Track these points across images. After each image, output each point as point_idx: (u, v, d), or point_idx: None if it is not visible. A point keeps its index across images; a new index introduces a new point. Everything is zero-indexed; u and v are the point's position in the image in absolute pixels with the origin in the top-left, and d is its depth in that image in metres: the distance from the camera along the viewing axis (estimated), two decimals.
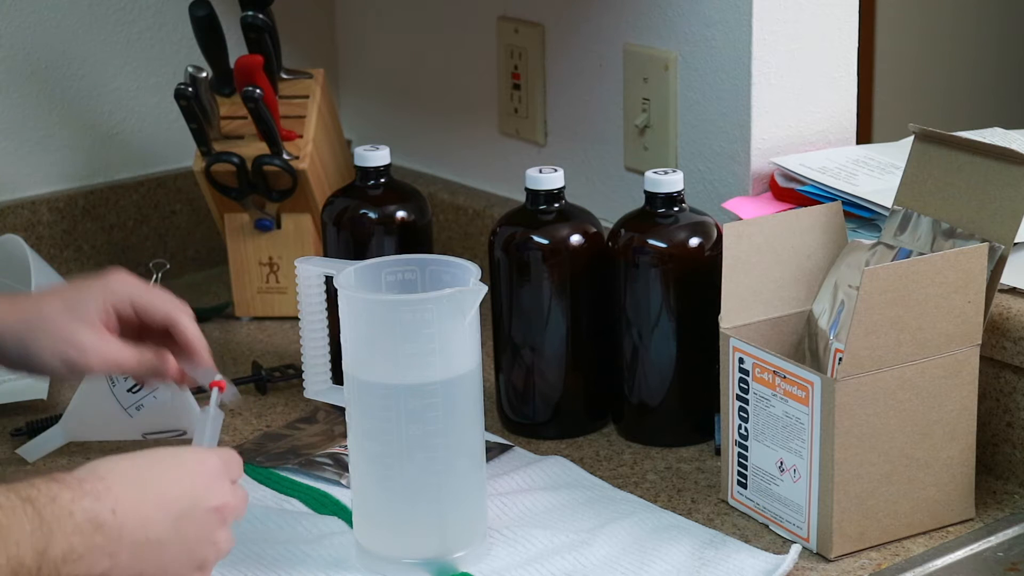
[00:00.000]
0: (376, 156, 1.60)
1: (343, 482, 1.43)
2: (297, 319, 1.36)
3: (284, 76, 1.86)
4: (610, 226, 1.52)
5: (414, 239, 1.60)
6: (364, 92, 2.13)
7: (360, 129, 2.13)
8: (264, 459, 1.49)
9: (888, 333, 1.25)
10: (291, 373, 1.67)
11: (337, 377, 1.33)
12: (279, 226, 1.83)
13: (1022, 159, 1.31)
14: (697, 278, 1.47)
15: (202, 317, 1.86)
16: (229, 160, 1.77)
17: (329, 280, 1.32)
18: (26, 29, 1.90)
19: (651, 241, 1.47)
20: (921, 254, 1.35)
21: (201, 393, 1.60)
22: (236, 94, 1.81)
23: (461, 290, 1.23)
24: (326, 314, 1.35)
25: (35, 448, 1.51)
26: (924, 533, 1.33)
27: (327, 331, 1.35)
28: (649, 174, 1.48)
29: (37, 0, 1.90)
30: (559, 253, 1.49)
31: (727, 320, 1.37)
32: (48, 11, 1.91)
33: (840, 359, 1.28)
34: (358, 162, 1.60)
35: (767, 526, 1.35)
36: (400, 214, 1.60)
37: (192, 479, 1.13)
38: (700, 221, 1.49)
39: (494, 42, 1.90)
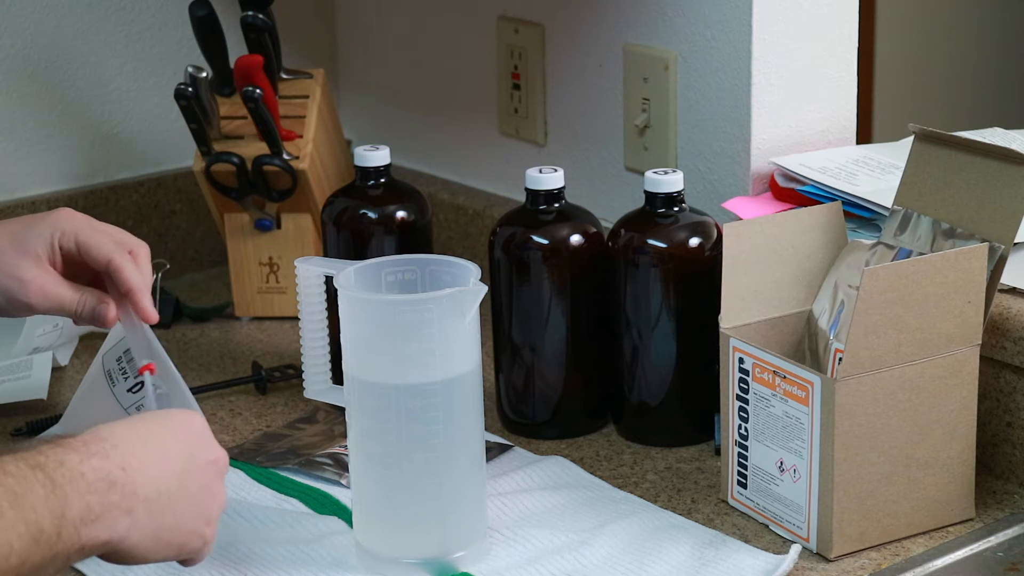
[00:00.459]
0: (376, 156, 1.60)
1: (343, 482, 1.43)
2: (297, 319, 1.36)
3: (284, 76, 1.86)
4: (610, 226, 1.52)
5: (414, 239, 1.60)
6: (364, 92, 2.13)
7: (360, 129, 2.13)
8: (264, 459, 1.49)
9: (888, 333, 1.25)
10: (291, 373, 1.67)
11: (337, 377, 1.33)
12: (279, 226, 1.83)
13: (1022, 159, 1.31)
14: (697, 278, 1.47)
15: (202, 317, 1.87)
16: (229, 160, 1.77)
17: (329, 280, 1.32)
18: (26, 29, 1.90)
19: (651, 241, 1.47)
20: (921, 254, 1.35)
21: (197, 393, 1.60)
22: (236, 94, 1.81)
23: (461, 290, 1.23)
24: (326, 314, 1.35)
25: None
26: (924, 533, 1.33)
27: (327, 331, 1.35)
28: (649, 174, 1.48)
29: (37, 0, 1.90)
30: (559, 253, 1.49)
31: (727, 320, 1.37)
32: (48, 11, 1.91)
33: (840, 359, 1.28)
34: (358, 162, 1.60)
35: (767, 526, 1.35)
36: (400, 214, 1.59)
37: (185, 435, 1.14)
38: (700, 221, 1.49)
39: (494, 42, 1.90)
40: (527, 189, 1.51)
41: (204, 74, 1.74)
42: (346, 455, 1.41)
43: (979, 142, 1.36)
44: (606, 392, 1.54)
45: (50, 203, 1.92)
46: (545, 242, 1.49)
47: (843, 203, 1.45)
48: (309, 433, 1.55)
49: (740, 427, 1.36)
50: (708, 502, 1.40)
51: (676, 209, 1.48)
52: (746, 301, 1.38)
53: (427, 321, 1.23)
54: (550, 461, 1.46)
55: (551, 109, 1.85)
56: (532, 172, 1.51)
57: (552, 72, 1.83)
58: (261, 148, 1.78)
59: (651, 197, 1.48)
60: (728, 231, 1.36)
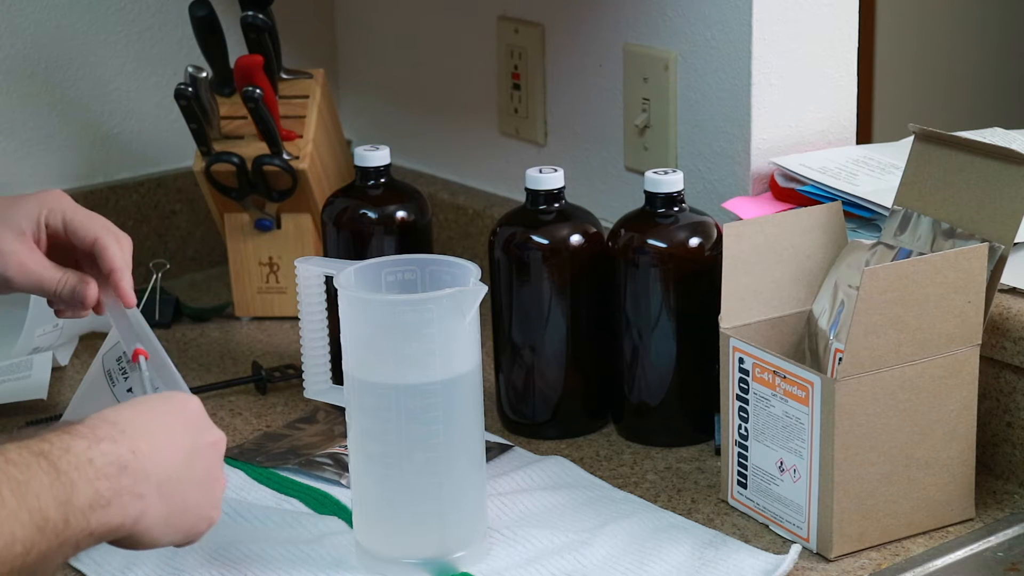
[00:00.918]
0: (376, 156, 1.60)
1: (343, 482, 1.43)
2: (297, 319, 1.36)
3: (284, 76, 1.86)
4: (610, 226, 1.52)
5: (414, 239, 1.60)
6: (364, 92, 2.13)
7: (360, 129, 2.13)
8: (264, 459, 1.49)
9: (888, 333, 1.25)
10: (291, 373, 1.67)
11: (337, 377, 1.33)
12: (279, 226, 1.83)
13: (1022, 159, 1.31)
14: (697, 278, 1.47)
15: (202, 317, 1.87)
16: (229, 160, 1.77)
17: (329, 280, 1.32)
18: (26, 29, 1.90)
19: (651, 241, 1.47)
20: (921, 254, 1.35)
21: (197, 393, 1.60)
22: (236, 94, 1.81)
23: (461, 290, 1.23)
24: (326, 314, 1.35)
25: None
26: (924, 533, 1.33)
27: (327, 331, 1.35)
28: (649, 174, 1.48)
29: (37, 0, 1.90)
30: (559, 253, 1.49)
31: (727, 320, 1.37)
32: (48, 11, 1.91)
33: (840, 359, 1.28)
34: (358, 162, 1.60)
35: (767, 526, 1.35)
36: (400, 214, 1.59)
37: (186, 418, 1.14)
38: (700, 221, 1.49)
39: (494, 42, 1.90)
40: (527, 189, 1.51)
41: (204, 74, 1.74)
42: (346, 455, 1.41)
43: (979, 142, 1.36)
44: (606, 392, 1.54)
45: None
46: (545, 242, 1.49)
47: (843, 203, 1.45)
48: (309, 433, 1.55)
49: (740, 427, 1.36)
50: (708, 502, 1.40)
51: (676, 209, 1.48)
52: (746, 301, 1.38)
53: (427, 321, 1.23)
54: (550, 461, 1.46)
55: (551, 109, 1.85)
56: (532, 172, 1.51)
57: (552, 72, 1.83)
58: (261, 148, 1.78)
59: (651, 197, 1.48)
60: (728, 231, 1.36)
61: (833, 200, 1.46)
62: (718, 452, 1.47)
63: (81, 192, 1.95)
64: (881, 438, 1.28)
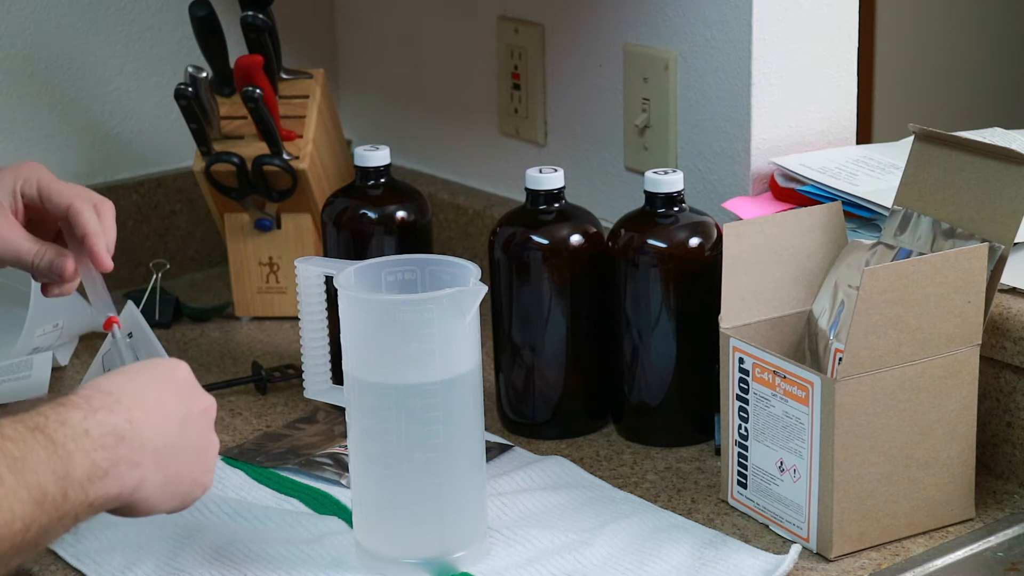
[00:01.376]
0: (376, 156, 1.60)
1: (343, 482, 1.43)
2: (297, 319, 1.36)
3: (284, 76, 1.86)
4: (610, 226, 1.52)
5: (414, 239, 1.60)
6: (364, 92, 2.13)
7: (360, 129, 2.13)
8: (264, 459, 1.49)
9: (888, 333, 1.25)
10: (291, 373, 1.67)
11: (337, 377, 1.33)
12: (279, 226, 1.83)
13: (1022, 159, 1.31)
14: (697, 278, 1.47)
15: (202, 317, 1.87)
16: (229, 160, 1.77)
17: (329, 280, 1.32)
18: (26, 29, 1.90)
19: (651, 241, 1.47)
20: (921, 254, 1.35)
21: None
22: (236, 94, 1.81)
23: (461, 290, 1.23)
24: (326, 314, 1.35)
25: None
26: (924, 533, 1.33)
27: (327, 331, 1.35)
28: (649, 174, 1.48)
29: (37, 0, 1.90)
30: (559, 253, 1.49)
31: (727, 320, 1.37)
32: (48, 11, 1.91)
33: (840, 359, 1.28)
34: (358, 162, 1.60)
35: (767, 526, 1.35)
36: (400, 214, 1.60)
37: (176, 386, 1.13)
38: (700, 221, 1.49)
39: (494, 42, 1.90)
40: (527, 189, 1.51)
41: (204, 74, 1.74)
42: (346, 455, 1.41)
43: (979, 142, 1.36)
44: (606, 392, 1.54)
45: None
46: (545, 242, 1.49)
47: (843, 203, 1.45)
48: (309, 433, 1.55)
49: (740, 427, 1.36)
50: (708, 502, 1.40)
51: (676, 209, 1.48)
52: (746, 301, 1.38)
53: (427, 321, 1.23)
54: (550, 461, 1.46)
55: (551, 109, 1.85)
56: (532, 172, 1.51)
57: (552, 72, 1.83)
58: (261, 148, 1.78)
59: (651, 197, 1.48)
60: (728, 231, 1.36)
61: (833, 200, 1.46)
62: (718, 452, 1.47)
63: None
64: (881, 438, 1.28)
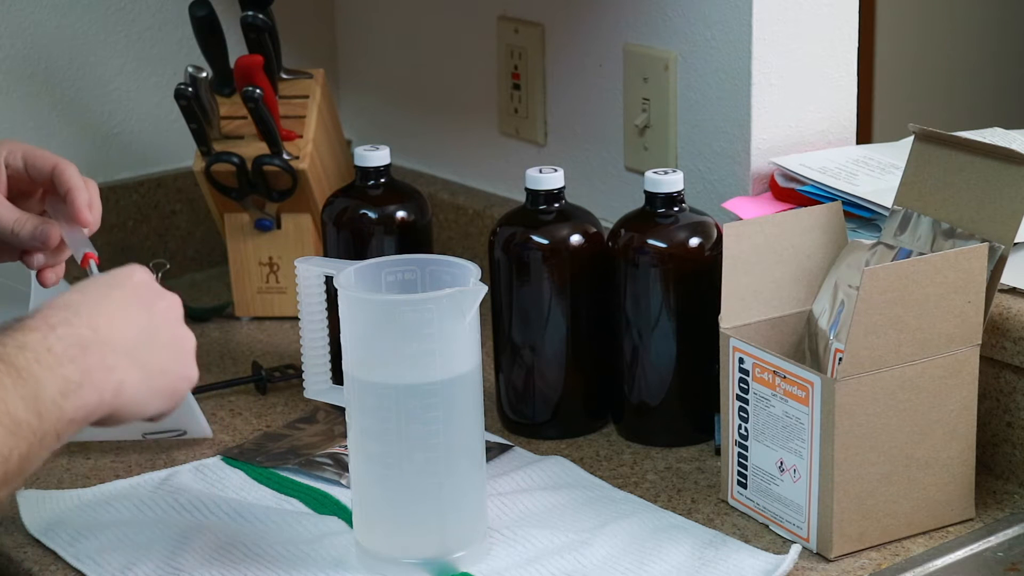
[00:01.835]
0: (376, 156, 1.60)
1: (343, 482, 1.43)
2: (297, 319, 1.36)
3: (284, 76, 1.86)
4: (610, 226, 1.52)
5: (414, 239, 1.60)
6: (364, 92, 2.13)
7: (360, 129, 2.13)
8: (264, 459, 1.49)
9: (888, 333, 1.25)
10: (291, 373, 1.67)
11: (337, 377, 1.33)
12: (279, 226, 1.83)
13: (1022, 159, 1.31)
14: (697, 278, 1.47)
15: (202, 317, 1.87)
16: (229, 160, 1.77)
17: (329, 280, 1.32)
18: (26, 29, 1.90)
19: (651, 241, 1.47)
20: (921, 254, 1.35)
21: (197, 394, 1.60)
22: (236, 94, 1.81)
23: (461, 290, 1.23)
24: (326, 314, 1.35)
25: None
26: (924, 533, 1.33)
27: (327, 331, 1.35)
28: (649, 174, 1.48)
29: (37, 0, 1.90)
30: (559, 253, 1.49)
31: (727, 320, 1.37)
32: (48, 11, 1.91)
33: (840, 359, 1.28)
34: (358, 162, 1.60)
35: (767, 526, 1.35)
36: (400, 214, 1.60)
37: (135, 289, 1.11)
38: (700, 221, 1.49)
39: (494, 42, 1.90)
40: (527, 189, 1.51)
41: (204, 74, 1.74)
42: (346, 455, 1.41)
43: (979, 142, 1.36)
44: (606, 392, 1.54)
45: None
46: (545, 242, 1.49)
47: (843, 203, 1.45)
48: (309, 433, 1.55)
49: (740, 427, 1.36)
50: (708, 502, 1.40)
51: (676, 209, 1.48)
52: (746, 301, 1.38)
53: (427, 321, 1.23)
54: (550, 461, 1.46)
55: (551, 109, 1.85)
56: (532, 172, 1.51)
57: (552, 72, 1.83)
58: (261, 148, 1.78)
59: (651, 197, 1.48)
60: (728, 231, 1.36)
61: (833, 200, 1.46)
62: (718, 452, 1.47)
63: None
64: (881, 438, 1.28)
